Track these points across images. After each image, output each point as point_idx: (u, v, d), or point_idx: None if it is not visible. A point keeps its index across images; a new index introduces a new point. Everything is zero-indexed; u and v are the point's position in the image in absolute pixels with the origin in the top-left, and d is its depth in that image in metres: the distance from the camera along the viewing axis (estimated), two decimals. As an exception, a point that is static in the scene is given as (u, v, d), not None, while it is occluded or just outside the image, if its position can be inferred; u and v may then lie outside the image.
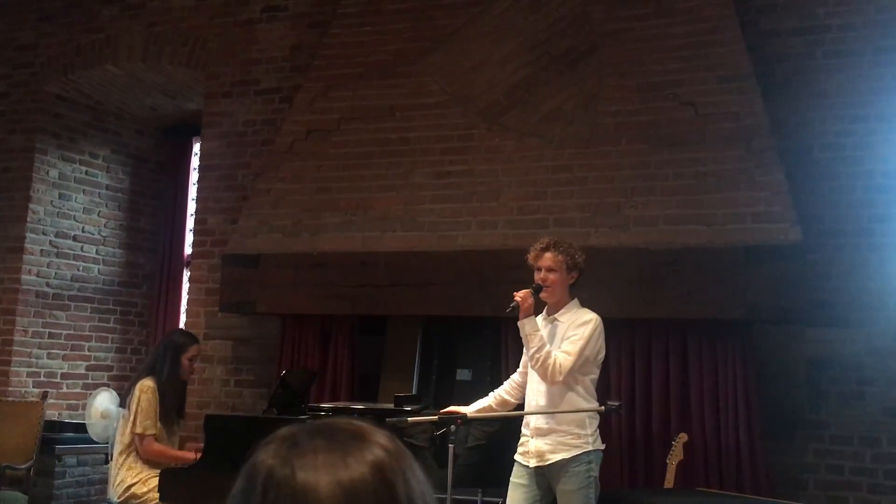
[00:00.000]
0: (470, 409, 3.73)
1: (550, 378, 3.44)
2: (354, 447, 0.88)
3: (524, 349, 3.58)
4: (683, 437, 4.03)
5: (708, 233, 4.42)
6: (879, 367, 4.51)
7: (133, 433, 4.14)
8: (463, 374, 5.04)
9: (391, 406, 4.26)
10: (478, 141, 5.07)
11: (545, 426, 3.50)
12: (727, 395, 4.36)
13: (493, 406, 3.80)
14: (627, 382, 4.52)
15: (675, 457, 3.97)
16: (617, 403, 3.35)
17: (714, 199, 4.48)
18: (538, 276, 3.62)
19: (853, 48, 4.81)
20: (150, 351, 4.75)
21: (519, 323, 3.54)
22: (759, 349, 4.54)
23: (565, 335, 3.54)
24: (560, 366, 3.43)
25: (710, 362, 4.42)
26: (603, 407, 3.31)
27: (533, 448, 3.52)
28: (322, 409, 4.24)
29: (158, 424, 4.18)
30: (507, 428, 3.97)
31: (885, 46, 4.75)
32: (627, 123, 4.79)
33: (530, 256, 3.68)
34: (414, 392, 4.80)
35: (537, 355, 3.45)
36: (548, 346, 3.48)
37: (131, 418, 4.15)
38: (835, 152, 4.75)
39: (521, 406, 3.87)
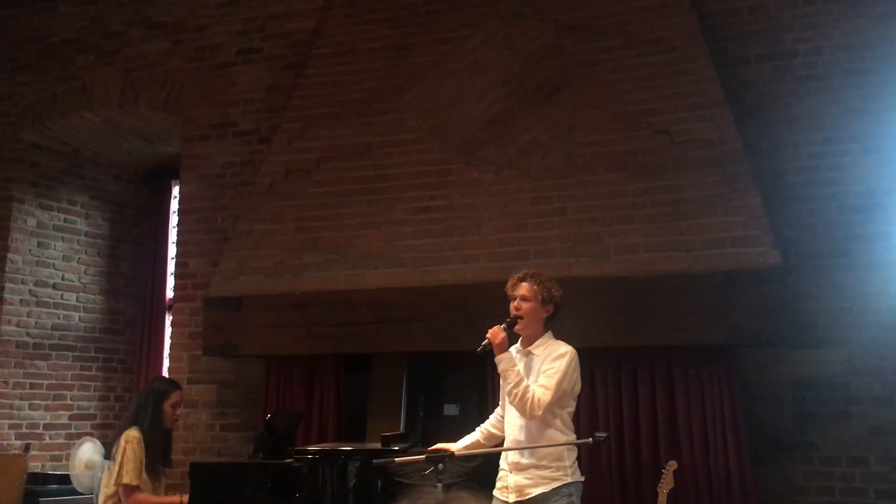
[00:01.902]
0: (458, 446, 3.71)
1: (529, 413, 3.43)
2: None
3: (503, 385, 3.56)
4: (673, 464, 4.01)
5: (688, 259, 4.45)
6: (864, 386, 4.54)
7: (117, 484, 4.08)
8: (450, 410, 5.01)
9: (378, 447, 4.22)
10: (456, 175, 5.10)
11: (524, 461, 3.47)
12: (714, 420, 4.36)
13: (482, 441, 3.79)
14: (615, 411, 4.52)
15: (666, 485, 3.95)
16: (605, 435, 3.33)
17: (692, 226, 4.51)
18: (513, 305, 3.63)
19: (821, 72, 4.89)
20: (133, 400, 4.70)
21: (496, 359, 3.53)
22: (744, 373, 4.56)
23: (541, 369, 3.53)
24: (539, 400, 3.42)
25: (695, 388, 4.42)
26: (591, 439, 3.30)
27: (512, 483, 3.49)
28: (309, 452, 4.20)
29: (144, 475, 4.13)
30: (489, 462, 3.95)
31: (853, 69, 4.84)
32: (604, 153, 4.84)
33: (507, 287, 3.71)
34: (402, 430, 4.77)
35: (515, 390, 3.44)
36: (526, 381, 3.47)
37: (116, 469, 4.10)
38: (808, 175, 4.81)
39: (508, 439, 3.86)
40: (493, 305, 4.54)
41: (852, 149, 4.76)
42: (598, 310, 4.41)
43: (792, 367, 4.63)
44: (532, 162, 4.95)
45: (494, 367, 4.60)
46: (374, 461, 3.42)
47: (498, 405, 3.89)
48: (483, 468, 3.87)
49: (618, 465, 4.46)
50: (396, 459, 3.36)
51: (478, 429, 3.83)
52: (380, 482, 3.91)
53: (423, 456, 3.28)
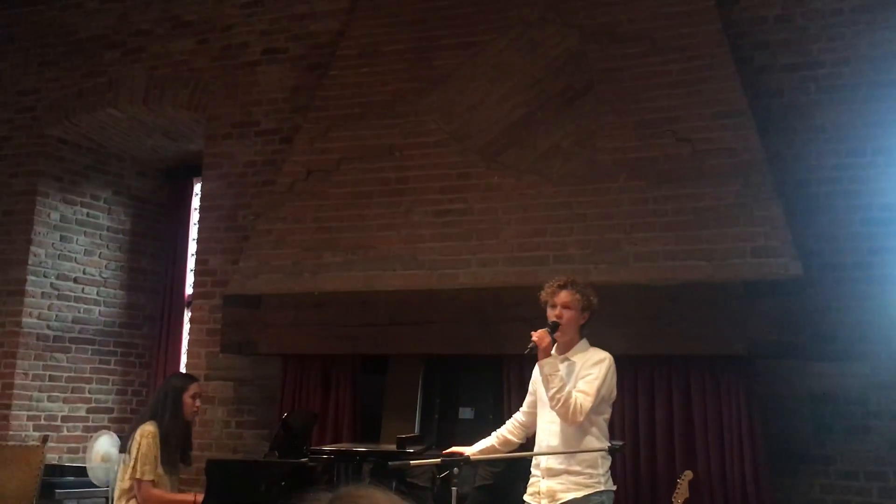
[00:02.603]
0: (472, 450, 3.71)
1: (571, 418, 3.42)
2: None
3: (544, 388, 3.51)
4: (689, 474, 3.99)
5: (708, 268, 4.43)
6: (884, 400, 4.49)
7: (132, 478, 4.10)
8: (465, 413, 5.01)
9: (394, 448, 4.23)
10: (477, 179, 5.10)
11: (558, 467, 3.47)
12: (731, 431, 4.33)
13: (496, 446, 3.78)
14: (631, 420, 4.50)
15: (681, 495, 3.92)
16: (620, 443, 3.34)
17: (713, 235, 4.49)
18: (553, 313, 3.60)
19: (847, 83, 4.86)
20: (152, 396, 4.73)
21: (539, 363, 3.52)
22: (763, 384, 4.53)
23: (579, 374, 3.52)
24: (581, 406, 3.42)
25: (713, 398, 4.39)
26: (606, 447, 3.29)
27: (544, 488, 3.49)
28: (324, 452, 4.21)
29: (159, 470, 4.15)
30: (513, 468, 3.95)
31: (879, 81, 4.80)
32: (625, 160, 4.82)
33: (544, 293, 3.66)
34: (416, 432, 4.77)
35: (558, 395, 3.43)
36: (568, 387, 3.46)
37: (131, 463, 4.12)
38: (832, 186, 4.77)
39: (524, 446, 3.85)
40: (511, 309, 4.56)
41: (876, 161, 4.72)
42: (615, 317, 4.39)
43: (811, 380, 4.59)
44: (553, 167, 4.95)
45: (510, 372, 4.66)
46: (390, 463, 3.42)
47: (516, 411, 3.89)
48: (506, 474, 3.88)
49: (633, 475, 4.43)
50: (411, 462, 3.37)
51: (494, 433, 3.83)
52: (394, 483, 3.92)
53: (439, 459, 3.28)
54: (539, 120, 5.07)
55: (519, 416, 3.79)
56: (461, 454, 3.55)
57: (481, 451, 3.74)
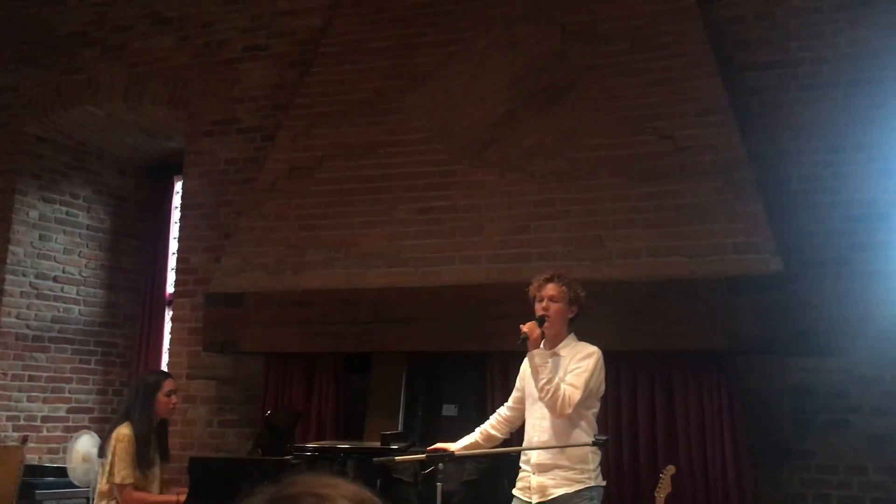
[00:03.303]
0: (457, 446, 3.70)
1: (560, 410, 3.43)
2: None
3: (533, 380, 3.52)
4: (671, 469, 4.01)
5: (689, 264, 4.46)
6: (863, 394, 4.54)
7: (110, 482, 4.03)
8: (449, 410, 5.01)
9: (378, 445, 4.22)
10: (460, 176, 5.10)
11: (548, 461, 3.47)
12: (713, 426, 4.37)
13: (480, 442, 3.78)
14: (614, 415, 4.52)
15: (664, 489, 3.95)
16: (604, 437, 3.34)
17: (695, 231, 4.52)
18: (539, 307, 3.61)
19: (826, 80, 4.90)
20: (125, 396, 4.64)
21: (528, 354, 3.53)
22: (744, 379, 4.56)
23: (568, 368, 3.54)
24: (569, 398, 3.42)
25: (695, 393, 4.43)
26: (590, 441, 3.30)
27: (535, 483, 3.49)
28: (307, 450, 4.20)
29: (137, 472, 4.07)
30: (498, 463, 3.95)
31: (858, 79, 4.85)
32: (608, 157, 4.84)
33: (532, 288, 3.68)
34: (400, 429, 4.77)
35: (547, 387, 3.44)
36: (557, 379, 3.48)
37: (108, 468, 4.04)
38: (812, 183, 4.82)
39: (507, 441, 3.86)
40: (495, 306, 4.57)
41: (856, 158, 4.77)
42: (599, 313, 4.39)
43: (792, 375, 4.63)
44: (536, 164, 4.96)
45: (494, 368, 4.67)
46: (374, 459, 3.42)
47: (497, 406, 3.89)
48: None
49: (616, 469, 4.46)
50: (396, 458, 3.36)
51: (477, 429, 3.83)
52: (379, 481, 3.91)
53: (424, 455, 3.28)
54: (522, 117, 5.08)
55: (503, 411, 3.80)
56: (446, 450, 3.55)
57: (465, 448, 3.74)
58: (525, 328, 3.51)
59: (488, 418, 3.89)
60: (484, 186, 5.03)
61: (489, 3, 5.41)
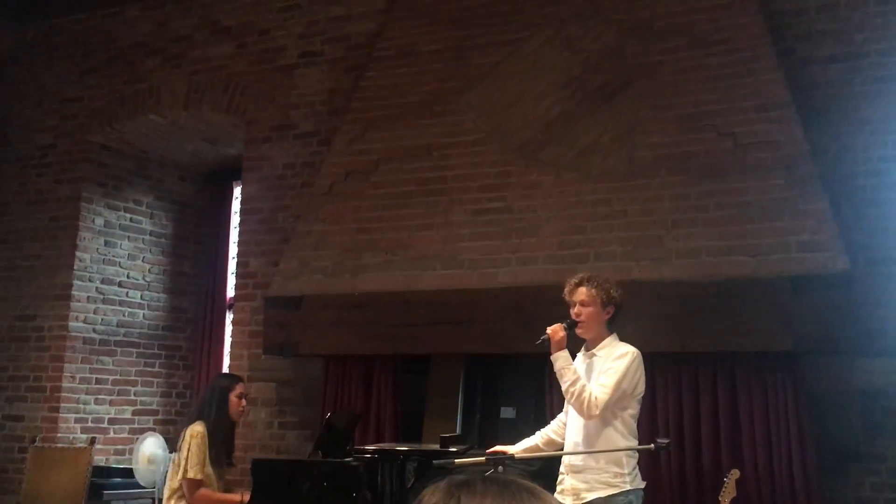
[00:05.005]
0: (516, 449, 3.69)
1: (587, 412, 3.39)
2: (526, 498, 0.88)
3: (560, 384, 3.52)
4: (735, 473, 3.92)
5: (752, 263, 4.36)
6: (936, 396, 4.39)
7: (182, 479, 4.15)
8: (507, 413, 4.99)
9: (437, 447, 4.22)
10: (515, 177, 5.08)
11: (580, 463, 3.43)
12: (779, 428, 4.26)
13: (540, 445, 3.75)
14: (675, 418, 4.45)
15: (728, 494, 3.87)
16: (666, 441, 3.29)
17: (757, 230, 4.42)
18: (572, 312, 3.59)
19: (892, 74, 4.75)
20: (198, 396, 4.77)
21: (551, 357, 3.51)
22: (810, 381, 4.44)
23: (601, 369, 3.49)
24: (596, 399, 3.37)
25: (759, 395, 4.33)
26: (652, 445, 3.25)
27: (569, 486, 3.45)
28: (367, 452, 4.22)
29: (208, 469, 4.18)
30: (548, 466, 3.92)
31: (927, 70, 4.69)
32: (666, 155, 4.77)
33: (565, 292, 3.66)
34: (458, 431, 4.77)
35: (571, 389, 3.40)
36: (583, 380, 3.43)
37: (181, 464, 4.16)
38: (879, 178, 4.68)
39: (568, 445, 3.83)
40: (552, 308, 4.51)
41: (925, 152, 4.62)
42: (658, 314, 4.35)
43: (860, 376, 4.49)
44: (592, 164, 4.91)
45: (551, 370, 4.62)
46: (434, 462, 3.42)
47: (557, 410, 3.87)
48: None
49: (678, 473, 4.38)
50: (456, 461, 3.36)
51: (538, 433, 3.80)
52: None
53: (483, 458, 3.27)
54: (577, 116, 5.04)
55: (562, 416, 3.76)
56: (505, 453, 3.53)
57: (525, 450, 3.71)
58: (549, 330, 3.49)
59: (546, 421, 3.86)
60: (539, 187, 5.00)
61: (543, 2, 5.37)
